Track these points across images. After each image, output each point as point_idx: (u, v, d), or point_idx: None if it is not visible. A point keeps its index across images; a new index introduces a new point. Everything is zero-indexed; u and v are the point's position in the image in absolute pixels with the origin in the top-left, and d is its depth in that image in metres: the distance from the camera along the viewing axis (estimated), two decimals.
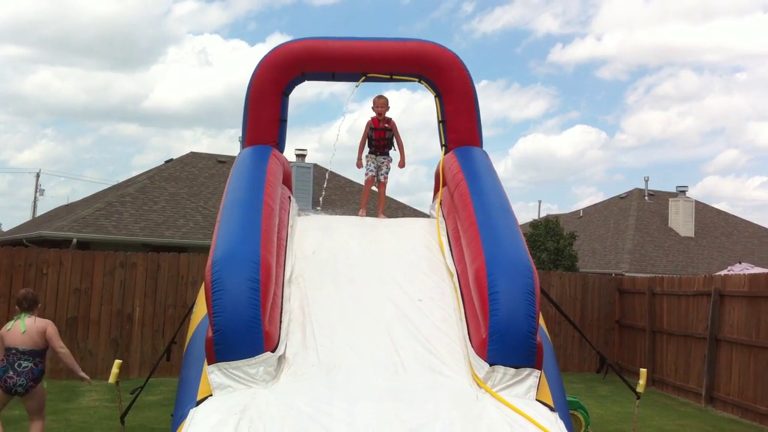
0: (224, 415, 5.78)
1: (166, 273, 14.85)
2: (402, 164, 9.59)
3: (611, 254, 34.24)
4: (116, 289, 14.39)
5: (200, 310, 7.63)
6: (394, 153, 9.74)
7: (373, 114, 9.47)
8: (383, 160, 9.51)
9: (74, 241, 20.65)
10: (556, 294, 16.51)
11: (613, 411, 11.82)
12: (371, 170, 9.51)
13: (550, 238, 27.44)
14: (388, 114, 9.62)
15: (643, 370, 9.83)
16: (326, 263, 7.97)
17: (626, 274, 25.48)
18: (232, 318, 6.25)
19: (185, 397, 6.48)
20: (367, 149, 9.57)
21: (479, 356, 6.53)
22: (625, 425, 10.22)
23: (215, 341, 6.25)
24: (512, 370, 6.40)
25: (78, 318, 14.07)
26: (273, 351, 6.43)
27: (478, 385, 6.46)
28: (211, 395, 6.18)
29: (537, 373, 6.45)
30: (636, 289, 16.75)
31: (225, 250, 6.70)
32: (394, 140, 9.52)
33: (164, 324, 14.59)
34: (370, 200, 10.06)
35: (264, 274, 6.54)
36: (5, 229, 50.25)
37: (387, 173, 9.55)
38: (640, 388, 9.40)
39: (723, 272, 16.58)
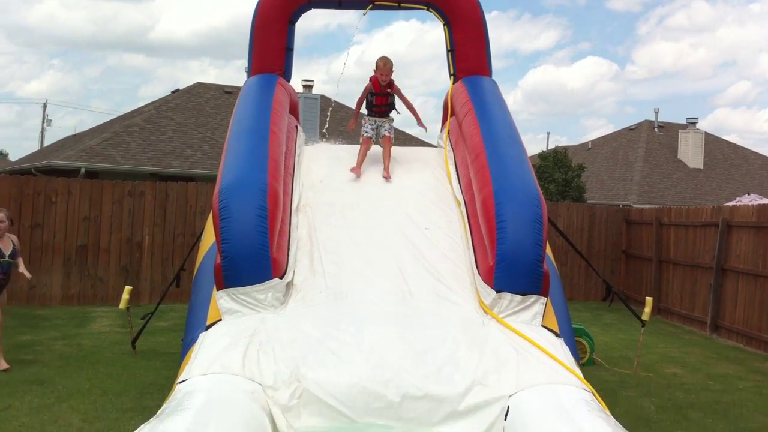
0: (233, 338, 5.87)
1: (174, 202, 14.90)
2: (421, 124, 8.81)
3: (619, 186, 34.15)
4: (125, 217, 14.47)
5: (209, 237, 7.67)
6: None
7: (375, 79, 8.53)
8: (383, 121, 8.69)
9: (82, 170, 20.67)
10: (563, 225, 16.54)
11: (618, 338, 11.95)
12: (368, 131, 8.61)
13: (558, 170, 27.33)
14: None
15: (649, 299, 9.91)
16: (334, 192, 7.98)
17: (634, 205, 25.45)
18: (239, 245, 6.29)
19: (195, 322, 6.57)
20: (365, 112, 8.80)
21: (486, 283, 6.57)
22: (630, 352, 10.34)
23: (224, 267, 6.30)
24: (518, 297, 6.45)
25: (88, 246, 14.19)
26: (281, 277, 6.48)
27: (484, 311, 6.52)
28: (220, 320, 6.26)
29: (543, 300, 6.50)
30: (644, 219, 16.76)
31: (232, 178, 6.70)
32: (396, 105, 8.76)
33: (173, 252, 14.70)
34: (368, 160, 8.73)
35: (271, 201, 6.55)
36: (13, 159, 50.32)
37: (390, 129, 8.69)
38: (645, 316, 9.48)
39: (731, 203, 16.54)
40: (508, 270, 6.42)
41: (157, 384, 7.91)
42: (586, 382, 5.77)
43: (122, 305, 9.36)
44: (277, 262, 6.45)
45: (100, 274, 14.28)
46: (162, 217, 14.82)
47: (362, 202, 7.68)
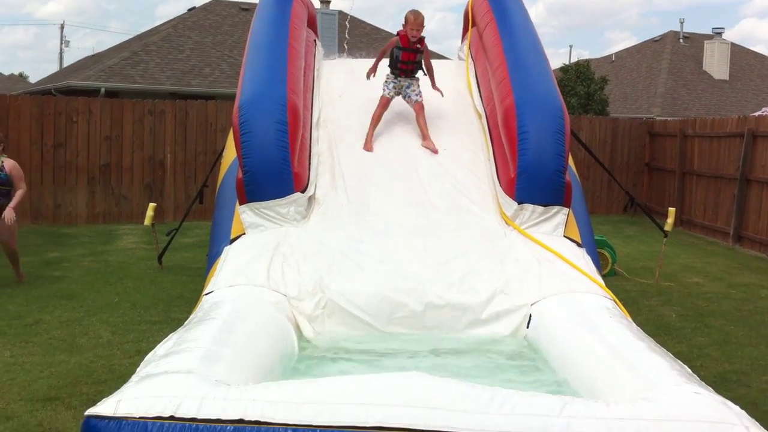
0: (257, 251, 5.94)
1: (194, 120, 14.88)
2: (435, 86, 7.63)
3: (643, 98, 33.65)
4: (146, 136, 14.50)
5: (230, 153, 7.68)
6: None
7: (404, 34, 7.33)
8: (410, 82, 7.53)
9: (102, 90, 20.64)
10: (585, 138, 16.38)
11: (640, 250, 11.97)
12: (389, 91, 7.51)
13: (581, 83, 26.92)
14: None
15: (672, 209, 9.88)
16: (353, 106, 7.91)
17: (657, 118, 25.13)
18: (260, 159, 6.30)
19: (219, 236, 6.65)
20: (387, 69, 7.59)
21: (507, 195, 6.57)
22: (651, 263, 10.36)
23: (245, 182, 6.33)
24: (540, 208, 6.44)
25: (111, 165, 14.28)
26: (303, 191, 6.51)
27: (506, 222, 6.53)
28: (244, 234, 6.33)
29: (565, 210, 6.49)
30: (667, 131, 16.56)
31: (251, 93, 6.66)
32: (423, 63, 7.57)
33: (195, 170, 14.77)
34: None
35: (291, 115, 6.52)
36: (33, 81, 50.28)
37: (420, 93, 7.53)
38: (667, 227, 9.47)
39: (756, 114, 16.29)
40: (530, 181, 6.40)
41: (184, 297, 8.06)
42: (608, 290, 5.81)
43: (147, 222, 9.46)
44: (298, 176, 6.47)
45: (124, 193, 14.41)
46: (183, 135, 14.84)
47: (383, 117, 7.63)
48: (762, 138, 12.57)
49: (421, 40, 7.35)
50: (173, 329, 4.62)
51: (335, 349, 5.25)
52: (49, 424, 4.67)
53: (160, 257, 9.71)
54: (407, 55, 7.36)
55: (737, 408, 3.45)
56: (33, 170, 13.54)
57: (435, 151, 7.26)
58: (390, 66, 7.54)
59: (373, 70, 7.64)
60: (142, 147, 14.53)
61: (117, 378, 5.32)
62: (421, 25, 7.24)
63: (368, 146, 7.30)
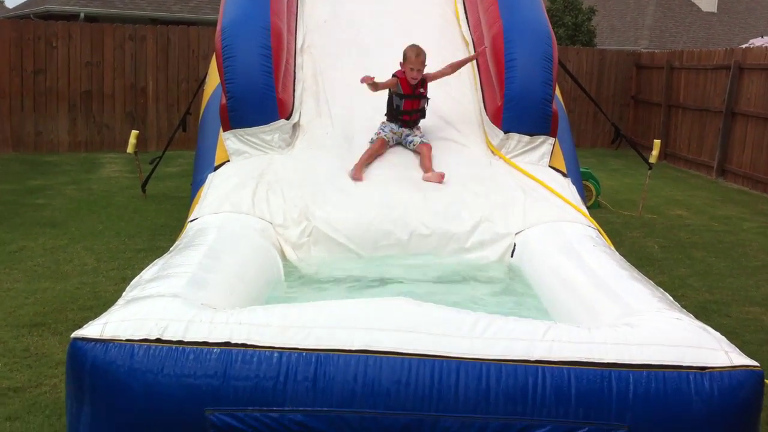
0: (242, 178, 5.91)
1: (176, 47, 14.63)
2: (474, 57, 6.83)
3: (630, 30, 33.37)
4: (128, 62, 14.26)
5: (213, 79, 7.57)
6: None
7: (402, 75, 6.14)
8: (411, 131, 6.38)
9: (81, 15, 20.22)
10: (572, 70, 16.25)
11: (624, 183, 12.01)
12: (385, 133, 6.31)
13: (568, 13, 26.61)
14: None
15: (657, 141, 9.89)
16: (339, 32, 7.78)
17: (644, 50, 24.96)
18: (244, 84, 6.21)
19: (203, 164, 6.59)
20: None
21: (494, 124, 6.53)
22: (635, 195, 10.42)
23: (229, 108, 6.25)
24: (526, 138, 6.42)
25: (92, 92, 14.07)
26: (287, 118, 6.44)
27: (492, 152, 6.51)
28: (228, 161, 6.28)
29: (551, 140, 6.47)
30: (654, 64, 16.46)
31: (234, 17, 6.52)
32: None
33: (178, 98, 14.59)
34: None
35: (275, 40, 6.42)
36: (10, 6, 49.11)
37: (424, 136, 6.38)
38: (652, 159, 9.49)
39: (744, 46, 16.21)
40: (517, 110, 6.36)
41: (168, 226, 8.04)
42: (592, 219, 5.84)
43: (130, 149, 9.38)
44: (282, 103, 6.39)
45: (106, 121, 14.24)
46: (165, 62, 14.62)
47: (369, 43, 7.51)
48: (748, 71, 12.53)
49: (424, 82, 6.13)
50: (158, 257, 4.62)
51: (321, 277, 5.28)
52: (36, 349, 4.69)
53: (143, 186, 9.66)
54: (410, 104, 6.09)
55: (717, 333, 3.50)
56: (13, 97, 13.34)
57: (439, 181, 5.95)
58: (387, 114, 6.31)
59: (374, 86, 6.15)
60: (124, 74, 14.31)
61: (103, 304, 5.32)
62: (423, 64, 6.00)
63: (357, 174, 5.93)
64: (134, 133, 9.47)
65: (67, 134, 13.94)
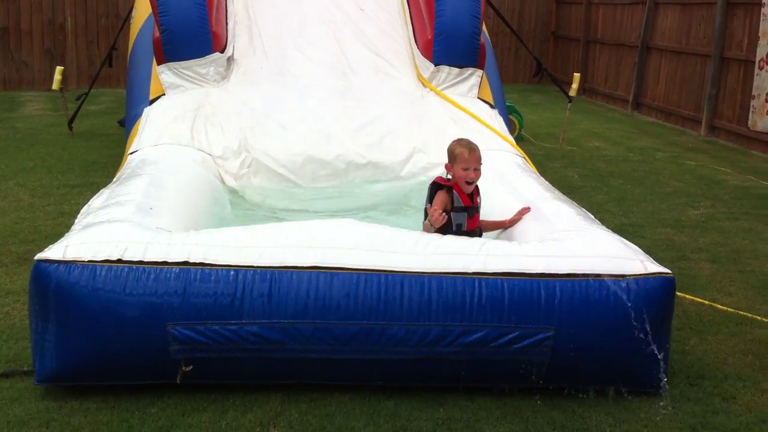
0: (179, 112, 6.00)
1: None
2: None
3: None
4: None
5: (140, 14, 7.54)
6: None
7: (456, 185, 4.36)
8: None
9: None
10: (494, 5, 16.48)
11: (545, 117, 12.40)
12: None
13: None
14: None
15: (576, 75, 10.27)
16: None
17: None
18: (178, 17, 6.24)
19: (137, 97, 6.62)
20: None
21: (424, 57, 6.74)
22: (556, 129, 10.80)
23: (164, 41, 6.28)
24: (456, 70, 6.66)
25: (9, 28, 13.65)
26: (222, 52, 6.52)
27: (423, 84, 6.74)
28: (164, 94, 6.34)
29: (479, 72, 6.73)
30: None
31: None
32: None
33: (98, 34, 14.26)
34: None
35: None
36: None
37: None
38: (572, 92, 9.86)
39: None
40: (447, 43, 6.57)
41: (99, 162, 8.03)
42: (518, 148, 6.16)
43: (55, 85, 9.24)
44: (217, 36, 6.46)
45: (24, 58, 13.87)
46: None
47: None
48: (663, 5, 12.96)
49: (477, 187, 4.43)
50: (94, 193, 4.71)
51: (264, 206, 5.48)
52: None
53: (70, 123, 9.54)
54: (474, 221, 4.42)
55: (634, 246, 3.87)
56: None
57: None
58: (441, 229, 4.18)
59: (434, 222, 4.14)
60: (41, 9, 13.90)
61: (44, 238, 5.38)
62: (480, 161, 4.35)
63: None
64: (59, 69, 9.32)
65: None
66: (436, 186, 4.36)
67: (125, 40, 9.11)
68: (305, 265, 3.43)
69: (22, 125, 10.15)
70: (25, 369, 3.60)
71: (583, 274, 3.56)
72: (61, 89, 9.35)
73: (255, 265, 3.41)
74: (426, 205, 4.36)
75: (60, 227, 5.58)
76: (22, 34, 13.78)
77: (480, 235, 4.37)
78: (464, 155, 4.28)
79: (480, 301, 3.47)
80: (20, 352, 3.81)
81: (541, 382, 3.56)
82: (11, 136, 9.36)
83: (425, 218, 4.24)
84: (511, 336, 3.46)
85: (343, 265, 3.45)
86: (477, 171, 4.29)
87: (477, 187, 4.39)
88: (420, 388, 3.58)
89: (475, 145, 4.36)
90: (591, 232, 3.96)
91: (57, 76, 9.27)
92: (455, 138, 4.55)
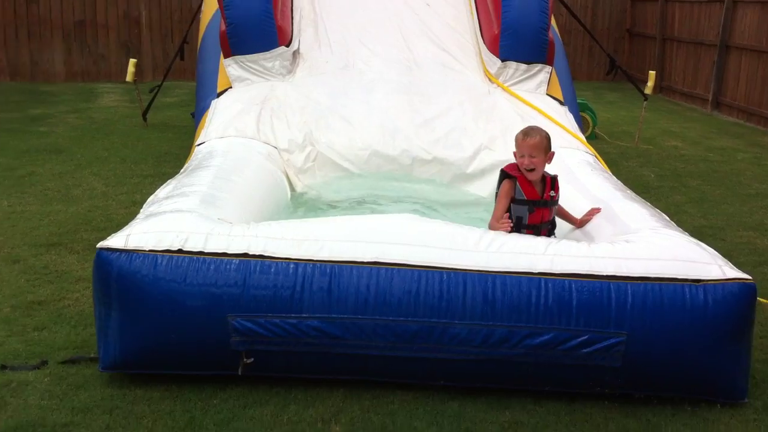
0: (246, 105, 6.01)
1: None
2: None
3: None
4: None
5: (209, 7, 7.59)
6: None
7: (521, 175, 4.13)
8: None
9: None
10: (567, 2, 16.17)
11: (620, 115, 12.10)
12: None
13: None
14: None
15: (652, 72, 9.97)
16: None
17: None
18: (243, 10, 6.26)
19: (205, 91, 6.67)
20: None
21: (491, 52, 6.61)
22: (631, 127, 10.51)
23: (229, 35, 6.31)
24: (524, 66, 6.51)
25: (86, 21, 13.98)
26: (287, 46, 6.51)
27: (489, 80, 6.61)
28: (230, 87, 6.37)
29: (548, 68, 6.57)
30: None
31: None
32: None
33: (172, 28, 14.49)
34: None
35: None
36: None
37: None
38: (647, 90, 9.58)
39: None
40: (514, 38, 6.43)
41: (172, 153, 8.13)
42: (589, 146, 5.98)
43: (129, 78, 9.40)
44: (282, 30, 6.46)
45: (101, 51, 14.18)
46: None
47: None
48: (742, 4, 12.52)
49: (555, 182, 4.18)
50: (165, 182, 4.74)
51: (327, 200, 5.44)
52: (55, 266, 4.84)
53: (144, 114, 9.71)
54: (538, 215, 4.12)
55: (712, 249, 3.68)
56: (7, 26, 13.25)
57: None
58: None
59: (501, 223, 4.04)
60: (116, 2, 14.19)
61: (116, 226, 5.42)
62: (539, 149, 4.04)
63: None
64: (132, 61, 9.49)
65: (63, 64, 13.89)
66: (503, 174, 4.18)
67: (196, 33, 9.21)
68: (365, 260, 3.36)
69: (98, 116, 10.37)
70: (92, 356, 3.63)
71: (657, 278, 3.40)
72: (134, 81, 9.51)
73: (315, 258, 3.36)
74: (496, 189, 4.22)
75: (131, 216, 5.57)
76: (98, 27, 14.09)
77: (550, 230, 4.18)
78: (518, 140, 4.07)
79: (546, 302, 3.35)
80: (88, 338, 3.84)
81: (612, 388, 3.42)
82: (88, 127, 9.56)
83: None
84: (579, 340, 3.33)
85: (404, 261, 3.37)
86: (533, 159, 4.00)
87: (554, 179, 4.14)
88: (485, 389, 3.47)
89: (536, 132, 4.08)
90: (665, 234, 3.79)
91: (130, 69, 9.42)
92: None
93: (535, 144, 4.02)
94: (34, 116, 10.00)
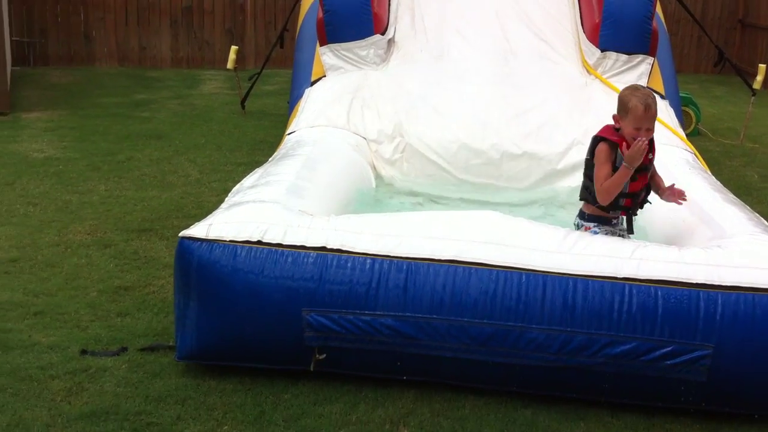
0: (338, 93, 6.02)
1: None
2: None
3: None
4: None
5: None
6: None
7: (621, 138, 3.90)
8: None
9: None
10: None
11: (726, 110, 11.59)
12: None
13: None
14: None
15: (762, 66, 9.46)
16: None
17: None
18: None
19: (300, 79, 6.72)
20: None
21: (591, 42, 6.41)
22: (737, 124, 10.05)
23: (326, 22, 6.32)
24: (624, 57, 6.28)
25: (193, 7, 14.31)
26: (383, 34, 6.48)
27: (587, 71, 6.42)
28: (324, 76, 6.39)
29: (650, 60, 6.32)
30: None
31: None
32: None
33: (275, 15, 14.67)
34: None
35: None
36: None
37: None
38: (756, 84, 9.12)
39: None
40: (615, 27, 6.21)
41: (267, 142, 8.22)
42: (689, 143, 5.75)
43: (230, 65, 9.56)
44: (378, 18, 6.42)
45: (206, 38, 14.50)
46: None
47: None
48: None
49: (652, 143, 3.90)
50: None
51: (411, 194, 5.41)
52: (145, 252, 4.98)
53: (242, 102, 9.87)
54: (639, 182, 3.92)
55: None
56: (117, 11, 13.69)
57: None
58: (592, 204, 3.99)
59: (604, 195, 3.86)
60: None
61: (206, 213, 5.44)
62: (654, 119, 3.87)
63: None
64: (234, 48, 9.65)
65: (169, 50, 14.27)
66: (598, 139, 3.92)
67: (296, 21, 9.29)
68: (443, 258, 3.31)
69: (199, 102, 10.60)
70: (170, 344, 3.69)
71: (750, 288, 3.23)
72: (235, 69, 9.67)
73: (392, 254, 3.33)
74: (586, 156, 4.02)
75: (222, 203, 5.76)
76: (204, 14, 14.41)
77: (646, 196, 3.98)
78: (638, 111, 3.74)
79: (630, 309, 3.23)
80: (168, 326, 3.92)
81: (695, 404, 3.27)
82: (188, 113, 9.79)
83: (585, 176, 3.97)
84: (663, 351, 3.20)
85: (482, 261, 3.30)
86: (650, 131, 3.77)
87: (652, 140, 3.85)
88: (560, 399, 3.37)
89: (653, 99, 3.80)
90: (762, 241, 3.60)
91: (231, 56, 9.58)
92: (631, 84, 4.11)
93: (655, 114, 3.82)
94: (138, 101, 10.30)
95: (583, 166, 4.08)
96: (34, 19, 12.93)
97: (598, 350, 3.21)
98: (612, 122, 3.99)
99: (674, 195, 3.97)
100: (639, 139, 3.72)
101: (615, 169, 3.82)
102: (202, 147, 7.92)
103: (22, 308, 4.10)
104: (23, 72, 11.73)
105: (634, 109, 3.76)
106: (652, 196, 4.06)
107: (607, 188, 3.80)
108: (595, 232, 3.89)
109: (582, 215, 4.04)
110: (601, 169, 3.85)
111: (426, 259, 3.32)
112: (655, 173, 4.07)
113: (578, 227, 4.01)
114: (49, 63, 12.80)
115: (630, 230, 4.01)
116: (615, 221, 3.98)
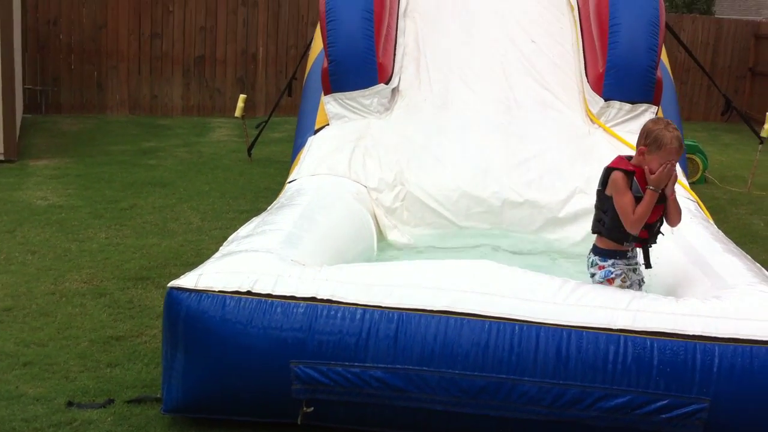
0: (340, 142, 6.03)
1: (287, 13, 14.86)
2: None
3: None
4: (239, 28, 14.57)
5: (317, 44, 7.68)
6: None
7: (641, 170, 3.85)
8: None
9: None
10: (687, 39, 15.59)
11: (735, 158, 11.55)
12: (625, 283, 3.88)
13: None
14: None
15: None
16: None
17: (765, 20, 23.77)
18: (345, 48, 6.30)
19: (304, 127, 6.76)
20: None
21: (594, 91, 6.40)
22: (745, 172, 10.00)
23: (330, 72, 6.36)
24: (628, 106, 6.27)
25: (205, 57, 14.48)
26: (387, 83, 6.50)
27: (591, 120, 6.41)
28: (327, 125, 6.41)
29: (654, 109, 6.30)
30: None
31: None
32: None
33: (287, 64, 14.82)
34: None
35: (377, 4, 6.47)
36: None
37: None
38: (764, 133, 9.08)
39: None
40: (619, 77, 6.21)
41: (271, 189, 8.23)
42: (692, 192, 5.69)
43: (237, 113, 9.65)
44: (383, 67, 6.45)
45: (218, 86, 14.64)
46: (275, 28, 14.87)
47: (472, 8, 7.45)
48: None
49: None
50: None
51: (412, 244, 5.38)
52: (139, 300, 4.95)
53: (249, 150, 9.92)
54: (656, 213, 3.84)
55: None
56: (131, 60, 13.85)
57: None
58: (607, 239, 3.91)
59: (633, 224, 3.77)
60: (235, 39, 14.65)
61: (204, 261, 5.54)
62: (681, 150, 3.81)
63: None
64: (242, 97, 9.73)
65: (180, 99, 14.41)
66: (611, 169, 3.86)
67: (304, 70, 9.37)
68: (434, 309, 3.26)
69: (206, 150, 10.66)
70: (157, 396, 3.63)
71: (748, 340, 3.16)
72: (242, 116, 9.75)
73: (382, 305, 3.28)
74: (599, 186, 3.98)
75: None
76: (216, 63, 14.57)
77: (659, 228, 3.90)
78: (672, 148, 3.68)
79: (625, 361, 3.17)
80: (157, 377, 3.86)
81: None
82: (195, 160, 9.83)
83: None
84: (658, 404, 3.13)
85: (474, 311, 3.25)
86: (674, 165, 3.74)
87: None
88: None
89: (680, 137, 3.75)
90: (761, 291, 3.53)
91: (239, 104, 9.67)
92: (655, 118, 4.08)
93: (680, 147, 3.76)
94: (145, 149, 10.37)
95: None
96: (47, 68, 13.11)
97: (592, 403, 3.14)
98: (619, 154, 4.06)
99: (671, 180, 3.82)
100: (667, 162, 3.69)
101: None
102: (206, 194, 7.93)
103: (12, 358, 4.06)
104: (34, 120, 11.85)
105: (668, 145, 3.70)
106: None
107: (639, 216, 3.73)
108: (610, 272, 3.84)
109: (596, 250, 3.96)
110: (624, 198, 3.77)
111: (417, 310, 3.27)
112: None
113: (593, 265, 3.94)
114: (61, 111, 12.94)
115: (647, 264, 3.94)
116: (630, 254, 3.92)
